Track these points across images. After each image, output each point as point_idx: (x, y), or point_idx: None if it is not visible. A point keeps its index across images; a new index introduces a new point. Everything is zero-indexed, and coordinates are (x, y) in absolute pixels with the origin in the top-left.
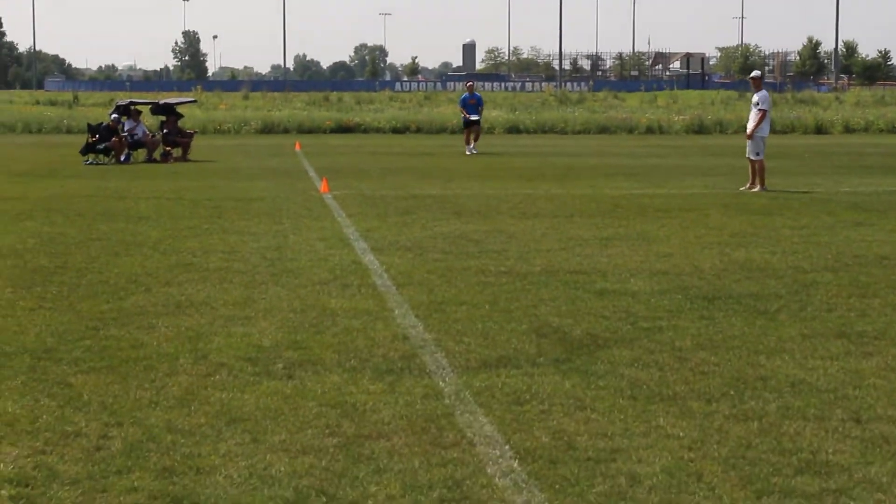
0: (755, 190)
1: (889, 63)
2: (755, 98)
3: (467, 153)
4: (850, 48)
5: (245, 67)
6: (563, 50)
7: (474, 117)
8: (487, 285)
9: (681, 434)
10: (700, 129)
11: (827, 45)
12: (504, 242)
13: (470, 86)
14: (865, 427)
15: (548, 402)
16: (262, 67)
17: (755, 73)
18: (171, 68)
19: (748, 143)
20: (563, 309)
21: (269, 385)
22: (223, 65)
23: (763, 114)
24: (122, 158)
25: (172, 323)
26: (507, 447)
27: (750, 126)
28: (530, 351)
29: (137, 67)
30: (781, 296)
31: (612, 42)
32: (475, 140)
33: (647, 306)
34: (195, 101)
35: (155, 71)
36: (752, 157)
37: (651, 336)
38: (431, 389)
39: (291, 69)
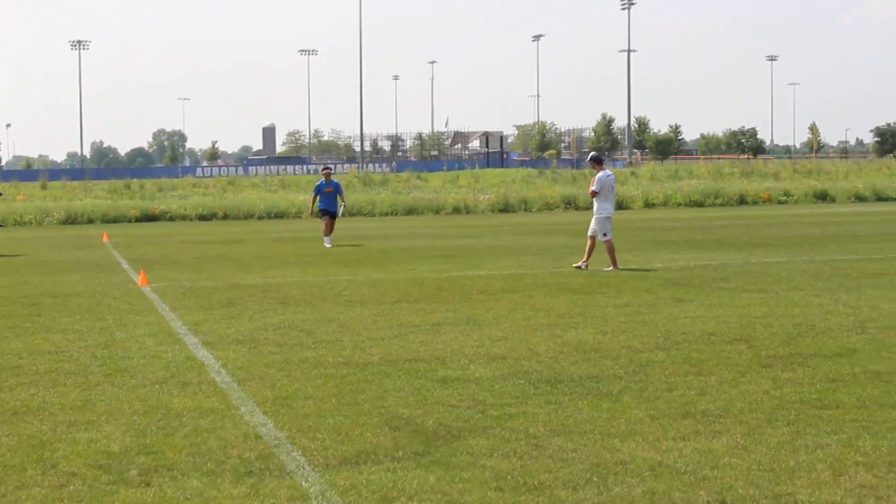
0: (606, 269)
1: (680, 137)
2: None
3: (327, 245)
4: (643, 124)
5: (40, 155)
6: (363, 131)
7: (340, 210)
8: (329, 377)
9: None
10: (505, 208)
11: (620, 122)
12: (336, 331)
13: (326, 172)
14: None
15: (416, 499)
16: (58, 155)
17: (591, 154)
18: None
19: (592, 221)
20: (410, 399)
21: (128, 494)
22: (17, 153)
23: (593, 195)
24: None
25: (12, 431)
26: None
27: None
28: (387, 445)
29: None
30: (621, 377)
31: (411, 122)
32: (329, 232)
33: (493, 393)
34: (0, 195)
35: None
36: (600, 238)
37: (503, 423)
38: (296, 490)
39: (88, 156)
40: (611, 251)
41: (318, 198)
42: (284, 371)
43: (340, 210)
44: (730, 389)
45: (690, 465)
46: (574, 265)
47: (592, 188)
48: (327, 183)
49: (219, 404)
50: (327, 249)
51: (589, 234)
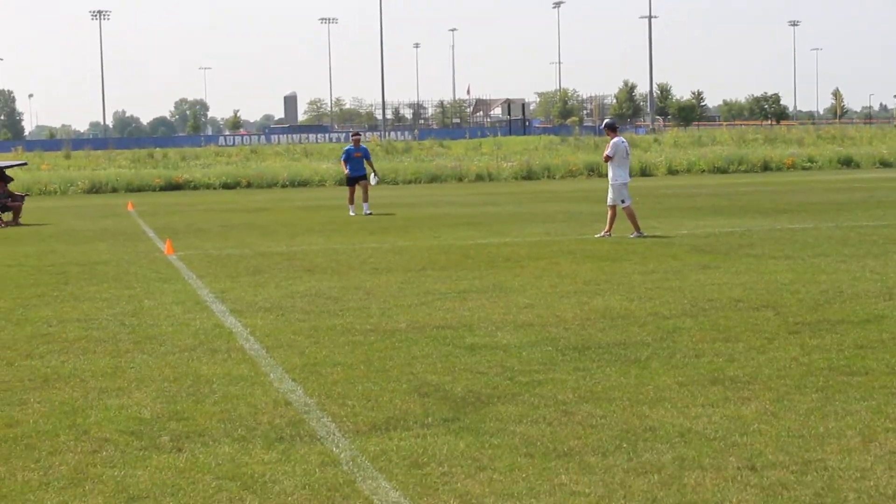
0: (632, 236)
1: (703, 104)
2: None
3: (351, 213)
4: (665, 90)
5: (63, 125)
6: (385, 99)
7: (374, 181)
8: (357, 344)
9: (586, 491)
10: (529, 175)
11: (642, 88)
12: (363, 299)
13: (356, 138)
14: (762, 475)
15: (447, 464)
16: (81, 125)
17: (606, 122)
18: None
19: (609, 190)
20: (438, 366)
21: (160, 459)
22: (40, 123)
23: (607, 160)
24: None
25: (44, 398)
26: None
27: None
28: (417, 411)
29: None
30: (648, 343)
31: (433, 90)
32: (365, 199)
33: (520, 360)
34: (25, 164)
35: None
36: (619, 205)
37: (532, 390)
38: (326, 456)
39: (111, 126)
40: (631, 217)
41: (347, 163)
42: (312, 338)
43: (374, 180)
44: (758, 356)
45: (720, 431)
46: (596, 236)
47: (607, 153)
48: (356, 148)
49: (248, 371)
50: (351, 218)
51: (608, 203)
